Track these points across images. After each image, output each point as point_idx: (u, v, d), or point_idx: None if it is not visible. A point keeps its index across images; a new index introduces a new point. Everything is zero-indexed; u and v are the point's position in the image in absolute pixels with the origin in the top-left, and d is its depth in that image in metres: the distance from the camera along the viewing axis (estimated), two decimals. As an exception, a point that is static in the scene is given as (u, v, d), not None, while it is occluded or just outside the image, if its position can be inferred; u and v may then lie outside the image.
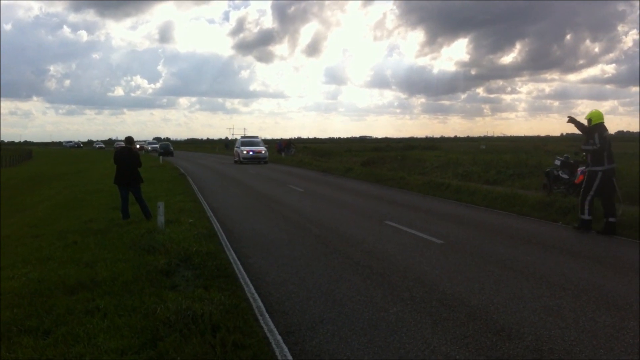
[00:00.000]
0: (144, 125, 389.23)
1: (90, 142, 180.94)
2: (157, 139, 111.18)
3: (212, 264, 8.98)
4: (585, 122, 13.27)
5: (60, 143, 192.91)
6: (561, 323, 6.42)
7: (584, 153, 13.91)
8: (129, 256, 9.81)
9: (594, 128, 13.02)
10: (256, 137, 52.52)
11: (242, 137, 51.49)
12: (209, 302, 6.87)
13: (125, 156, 14.28)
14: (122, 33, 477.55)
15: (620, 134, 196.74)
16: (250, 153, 46.01)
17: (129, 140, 14.77)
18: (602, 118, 13.19)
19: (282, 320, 6.66)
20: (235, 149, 48.94)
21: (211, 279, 8.19)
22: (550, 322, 6.47)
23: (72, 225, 14.00)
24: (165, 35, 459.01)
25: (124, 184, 14.30)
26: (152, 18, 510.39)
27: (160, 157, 56.51)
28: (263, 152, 46.67)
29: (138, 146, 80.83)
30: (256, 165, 43.93)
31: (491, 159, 31.01)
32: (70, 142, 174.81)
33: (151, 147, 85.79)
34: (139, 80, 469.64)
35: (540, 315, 6.72)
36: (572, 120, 13.63)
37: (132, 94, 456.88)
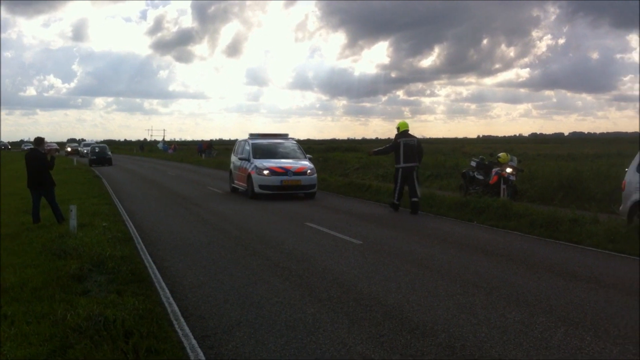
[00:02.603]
0: (57, 126, 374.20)
1: (19, 143, 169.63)
2: (72, 140, 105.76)
3: (126, 269, 8.75)
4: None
5: None
6: (473, 320, 6.58)
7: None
8: (39, 261, 9.49)
9: (397, 135, 17.01)
10: (284, 134, 23.89)
11: (252, 137, 22.95)
12: (121, 307, 6.69)
13: (33, 158, 13.75)
14: (34, 31, 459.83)
15: (534, 136, 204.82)
16: (280, 175, 20.13)
17: (38, 141, 14.21)
18: (407, 127, 17.09)
19: (198, 324, 6.55)
20: (240, 162, 21.97)
21: (125, 284, 7.98)
22: (463, 319, 6.62)
23: (-22, 230, 13.37)
24: (79, 33, 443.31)
25: (36, 187, 13.78)
26: (65, 16, 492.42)
27: (75, 159, 53.39)
28: (308, 171, 20.52)
29: (69, 149, 71.94)
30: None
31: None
32: None
33: (86, 150, 63.48)
34: (52, 79, 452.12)
35: (454, 312, 6.87)
36: (374, 153, 18.81)
37: (45, 94, 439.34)
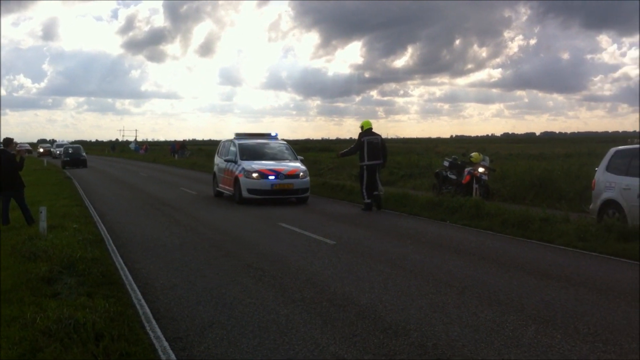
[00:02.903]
0: (28, 127, 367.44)
1: None
2: (43, 141, 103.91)
3: (97, 271, 8.64)
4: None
5: None
6: (445, 319, 6.62)
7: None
8: (9, 264, 9.33)
9: (360, 134, 17.48)
10: (272, 134, 22.01)
11: (239, 137, 21.19)
12: (92, 310, 6.59)
13: (2, 160, 13.52)
14: (4, 30, 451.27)
15: (506, 136, 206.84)
16: (271, 178, 18.49)
17: (7, 142, 14.00)
18: (370, 125, 17.61)
19: (170, 326, 6.50)
20: (225, 165, 20.23)
21: (96, 286, 7.88)
22: (435, 318, 6.65)
23: (-55, 233, 13.11)
24: (49, 32, 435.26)
25: (5, 188, 13.56)
26: (35, 15, 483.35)
27: (45, 160, 52.50)
28: (301, 174, 19.03)
29: (41, 150, 69.91)
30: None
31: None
32: None
33: (59, 152, 60.49)
34: (22, 79, 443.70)
35: (426, 312, 6.90)
36: (342, 154, 19.29)
37: (15, 94, 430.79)
